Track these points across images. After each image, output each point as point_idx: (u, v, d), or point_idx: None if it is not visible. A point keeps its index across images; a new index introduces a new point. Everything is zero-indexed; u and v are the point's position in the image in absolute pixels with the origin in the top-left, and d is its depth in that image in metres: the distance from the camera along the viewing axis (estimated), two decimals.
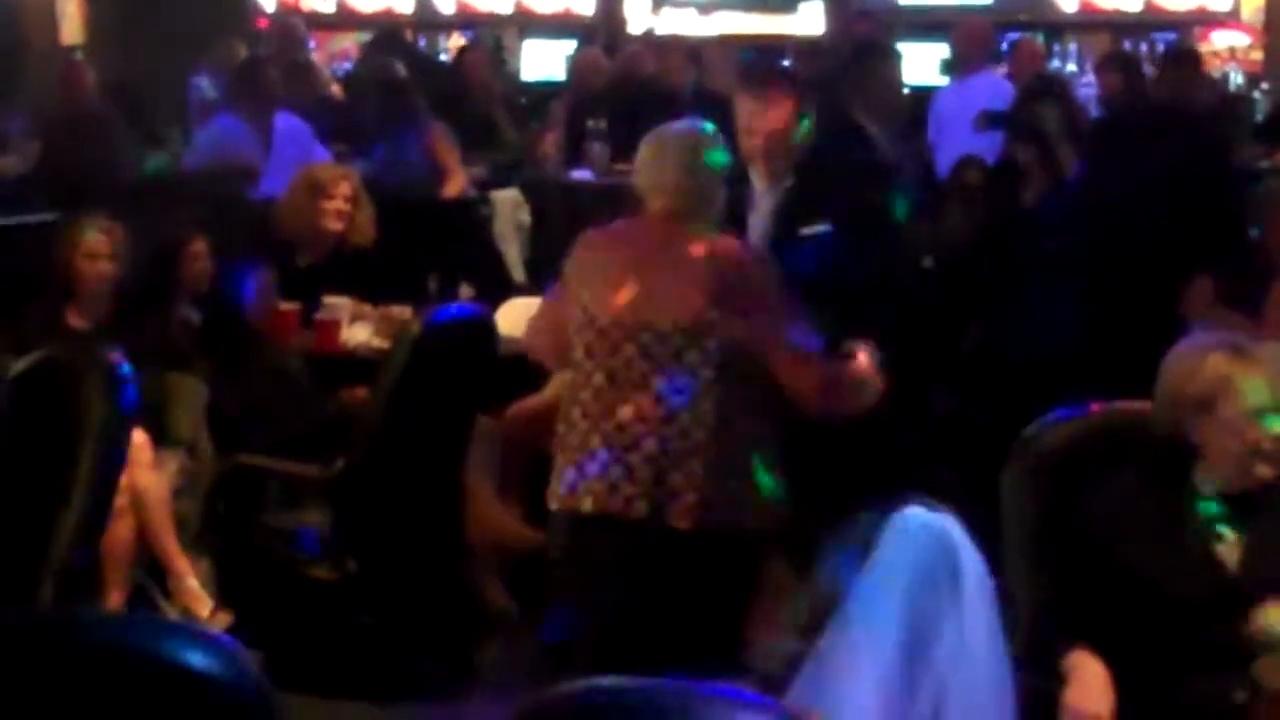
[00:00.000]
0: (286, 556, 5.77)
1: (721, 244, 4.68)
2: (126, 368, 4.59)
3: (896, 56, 8.09)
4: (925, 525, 3.29)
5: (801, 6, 12.55)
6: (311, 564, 5.76)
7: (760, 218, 5.29)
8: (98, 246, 6.02)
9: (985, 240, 7.47)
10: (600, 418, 4.57)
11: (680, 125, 4.84)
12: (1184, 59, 9.89)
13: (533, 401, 6.43)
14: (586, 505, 4.58)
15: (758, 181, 5.30)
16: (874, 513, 3.34)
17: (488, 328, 5.97)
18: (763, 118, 5.23)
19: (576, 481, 4.61)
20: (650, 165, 4.75)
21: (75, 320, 5.99)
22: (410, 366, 5.62)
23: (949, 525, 3.28)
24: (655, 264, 4.62)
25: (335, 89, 11.18)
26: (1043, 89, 8.51)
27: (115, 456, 4.74)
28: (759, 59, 11.04)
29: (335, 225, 6.74)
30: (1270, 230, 6.58)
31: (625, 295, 4.60)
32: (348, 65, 12.51)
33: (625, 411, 4.53)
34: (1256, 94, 11.62)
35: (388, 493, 5.70)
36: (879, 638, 3.18)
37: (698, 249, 4.62)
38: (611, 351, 4.58)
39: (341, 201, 6.75)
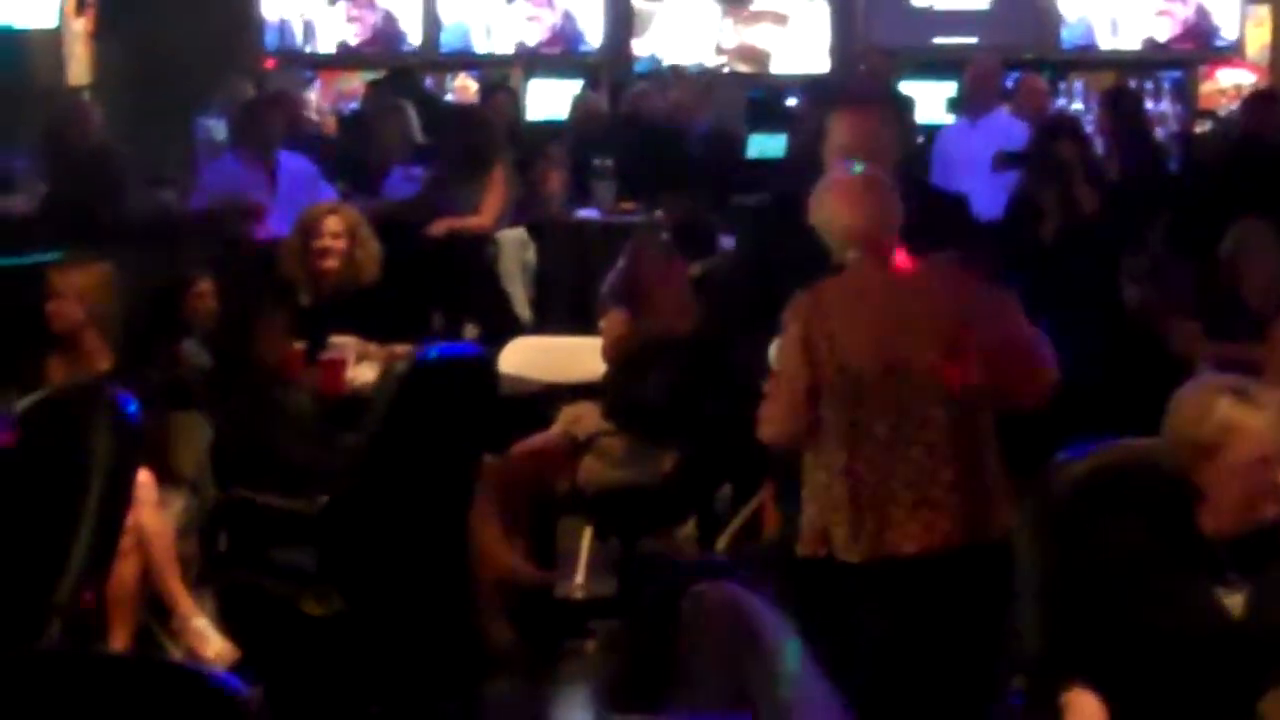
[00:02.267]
0: (281, 591, 5.74)
1: (948, 273, 4.74)
2: (134, 406, 4.60)
3: (908, 106, 8.08)
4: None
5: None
6: (300, 597, 5.71)
7: None
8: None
9: (1006, 276, 7.47)
10: (895, 463, 4.56)
11: (851, 169, 4.85)
12: (1266, 97, 9.73)
13: (537, 440, 6.43)
14: (908, 549, 4.56)
15: None
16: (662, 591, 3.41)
17: (486, 366, 5.95)
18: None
19: (883, 530, 4.56)
20: (842, 213, 4.74)
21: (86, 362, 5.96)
22: (399, 404, 5.59)
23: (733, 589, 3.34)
24: (894, 306, 4.65)
25: (328, 127, 11.18)
26: (1060, 127, 8.51)
27: (122, 494, 4.75)
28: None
29: (328, 264, 6.65)
30: (1246, 273, 6.59)
31: (881, 342, 4.60)
32: (354, 105, 12.53)
33: (915, 451, 4.54)
34: None
35: (377, 529, 5.66)
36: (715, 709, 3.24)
37: (926, 283, 4.69)
38: (882, 400, 4.56)
39: (329, 239, 6.66)
